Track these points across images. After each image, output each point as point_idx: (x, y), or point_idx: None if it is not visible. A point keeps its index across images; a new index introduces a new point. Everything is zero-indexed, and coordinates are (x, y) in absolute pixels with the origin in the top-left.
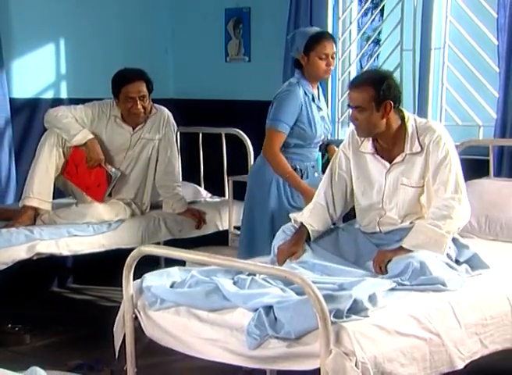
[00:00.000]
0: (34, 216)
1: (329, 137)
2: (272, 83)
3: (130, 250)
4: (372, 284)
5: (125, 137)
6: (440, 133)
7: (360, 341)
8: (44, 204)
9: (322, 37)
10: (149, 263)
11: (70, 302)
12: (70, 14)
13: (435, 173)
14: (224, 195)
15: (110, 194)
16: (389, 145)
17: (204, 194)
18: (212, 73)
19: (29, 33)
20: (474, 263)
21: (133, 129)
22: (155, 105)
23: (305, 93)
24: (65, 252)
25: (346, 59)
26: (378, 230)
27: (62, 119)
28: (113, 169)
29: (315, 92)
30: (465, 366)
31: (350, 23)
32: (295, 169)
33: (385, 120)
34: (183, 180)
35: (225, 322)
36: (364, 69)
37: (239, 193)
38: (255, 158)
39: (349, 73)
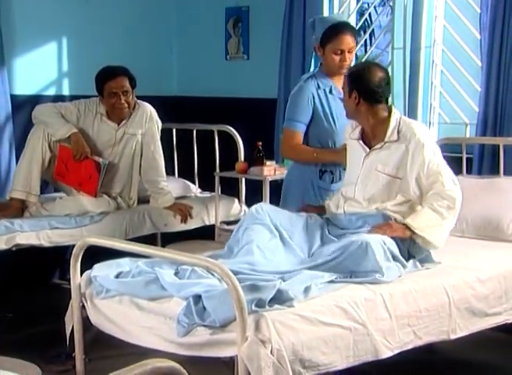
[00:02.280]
0: (22, 209)
1: None
2: (270, 80)
3: None
4: (311, 276)
5: (110, 133)
6: (420, 136)
7: (279, 329)
8: (31, 196)
9: (340, 29)
10: None
11: (69, 294)
12: (73, 12)
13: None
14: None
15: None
16: (371, 133)
17: (194, 190)
18: (214, 71)
19: (31, 31)
20: (425, 259)
21: (118, 125)
22: (138, 101)
23: (318, 86)
24: (46, 244)
25: None
26: (342, 211)
27: (48, 114)
28: (100, 159)
29: (338, 83)
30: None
31: (348, 15)
32: (325, 171)
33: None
34: (178, 175)
35: (161, 310)
36: None
37: (227, 188)
38: (245, 155)
39: None
